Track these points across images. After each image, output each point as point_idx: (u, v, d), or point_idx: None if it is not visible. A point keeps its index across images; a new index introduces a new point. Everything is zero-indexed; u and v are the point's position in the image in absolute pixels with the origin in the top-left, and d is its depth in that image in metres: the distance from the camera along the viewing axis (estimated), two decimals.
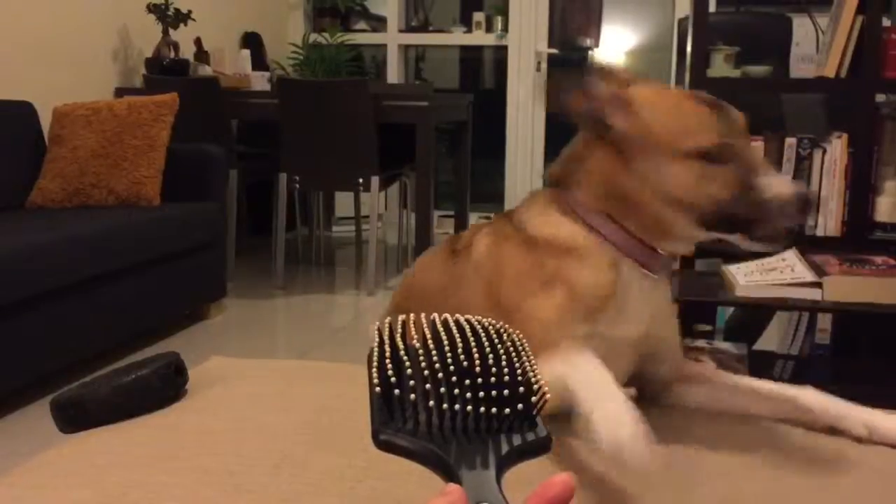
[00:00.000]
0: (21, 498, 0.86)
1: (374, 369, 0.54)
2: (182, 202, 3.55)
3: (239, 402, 1.13)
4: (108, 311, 3.02)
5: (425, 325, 0.58)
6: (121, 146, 3.48)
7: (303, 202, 5.17)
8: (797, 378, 2.14)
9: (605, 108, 1.04)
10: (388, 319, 0.58)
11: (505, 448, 0.53)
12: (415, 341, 0.56)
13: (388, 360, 0.54)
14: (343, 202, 5.78)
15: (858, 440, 0.96)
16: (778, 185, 0.98)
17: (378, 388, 0.54)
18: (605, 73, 1.08)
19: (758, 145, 2.39)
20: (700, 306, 2.40)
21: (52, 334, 2.75)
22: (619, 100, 1.04)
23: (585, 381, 0.86)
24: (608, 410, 0.80)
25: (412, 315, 0.59)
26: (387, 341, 0.56)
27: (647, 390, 1.14)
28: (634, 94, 1.05)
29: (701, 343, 2.09)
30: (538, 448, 0.55)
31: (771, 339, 2.59)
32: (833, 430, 1.00)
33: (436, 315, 0.59)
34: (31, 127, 3.62)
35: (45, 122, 3.63)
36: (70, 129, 3.52)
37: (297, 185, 4.23)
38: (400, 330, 0.57)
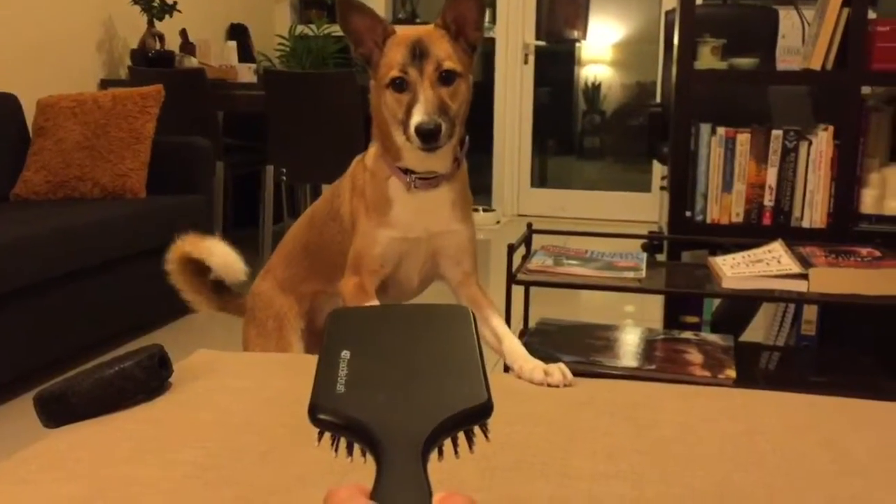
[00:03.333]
0: (5, 493, 0.85)
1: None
2: (168, 195, 3.53)
3: (225, 394, 1.12)
4: (93, 304, 3.01)
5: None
6: (106, 138, 3.46)
7: (290, 194, 5.15)
8: (782, 369, 2.16)
9: (368, 39, 1.38)
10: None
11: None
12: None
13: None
14: None
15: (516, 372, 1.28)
16: (416, 115, 1.29)
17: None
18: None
19: (744, 137, 2.40)
20: (687, 298, 2.41)
21: (36, 329, 2.73)
22: (382, 39, 1.37)
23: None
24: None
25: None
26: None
27: (448, 287, 1.53)
28: (390, 31, 1.37)
29: (688, 335, 2.10)
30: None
31: (757, 331, 2.60)
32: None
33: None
34: (15, 119, 3.59)
35: (30, 114, 3.60)
36: (54, 121, 3.49)
37: (284, 178, 4.21)
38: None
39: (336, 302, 1.60)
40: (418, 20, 6.36)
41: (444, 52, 1.35)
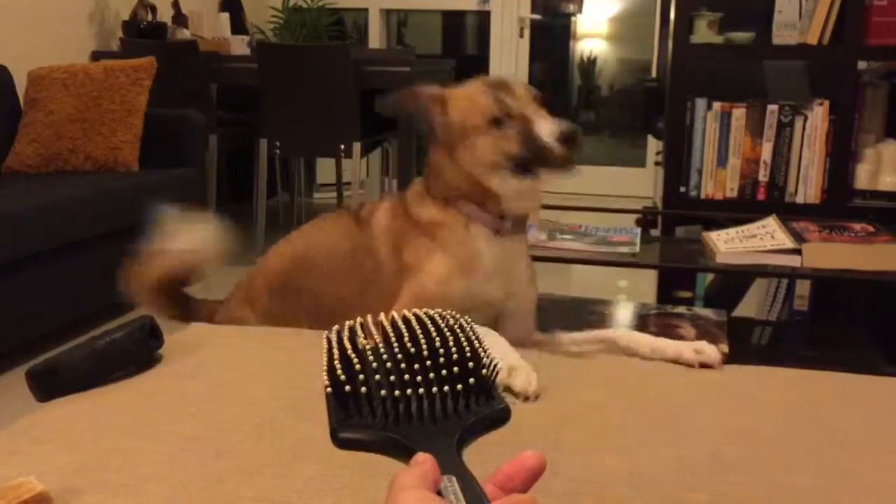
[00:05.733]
0: None
1: (325, 372, 0.56)
2: (161, 168, 3.51)
3: (218, 368, 1.13)
4: (85, 278, 3.00)
5: (372, 325, 0.61)
6: (98, 111, 3.43)
7: (283, 168, 5.12)
8: (775, 343, 2.17)
9: (428, 108, 1.33)
10: (335, 327, 0.61)
11: (464, 423, 0.54)
12: (362, 339, 0.58)
13: (336, 362, 0.56)
14: (324, 168, 5.74)
15: (648, 355, 1.26)
16: (545, 127, 1.24)
17: (329, 389, 0.55)
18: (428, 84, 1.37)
19: (739, 112, 2.39)
20: (680, 273, 2.42)
21: (28, 302, 2.72)
22: (437, 99, 1.33)
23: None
24: (510, 361, 1.09)
25: (359, 318, 0.62)
26: (335, 346, 0.58)
27: None
28: (448, 94, 1.33)
29: (681, 309, 2.10)
30: (496, 420, 0.56)
31: (750, 306, 2.61)
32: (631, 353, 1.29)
33: (382, 314, 0.61)
34: (5, 91, 3.55)
35: (21, 85, 3.57)
36: (46, 93, 3.46)
37: (278, 151, 4.19)
38: (347, 334, 0.59)
39: None
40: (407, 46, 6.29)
41: (521, 82, 1.33)
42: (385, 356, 0.56)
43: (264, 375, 1.09)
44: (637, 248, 2.03)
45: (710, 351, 1.21)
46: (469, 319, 0.62)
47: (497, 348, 1.12)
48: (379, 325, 0.60)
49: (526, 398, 1.04)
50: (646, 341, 1.30)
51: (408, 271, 1.34)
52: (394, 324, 0.60)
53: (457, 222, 1.33)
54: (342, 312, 1.40)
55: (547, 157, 1.24)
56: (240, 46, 4.68)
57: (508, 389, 1.05)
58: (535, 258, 2.00)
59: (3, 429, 0.94)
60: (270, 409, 0.97)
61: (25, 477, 0.76)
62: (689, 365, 1.20)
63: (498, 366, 0.58)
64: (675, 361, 1.22)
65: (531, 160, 1.26)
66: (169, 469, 0.83)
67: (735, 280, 2.58)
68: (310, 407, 0.95)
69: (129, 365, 1.07)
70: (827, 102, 2.34)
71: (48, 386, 1.03)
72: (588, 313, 2.06)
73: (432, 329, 0.58)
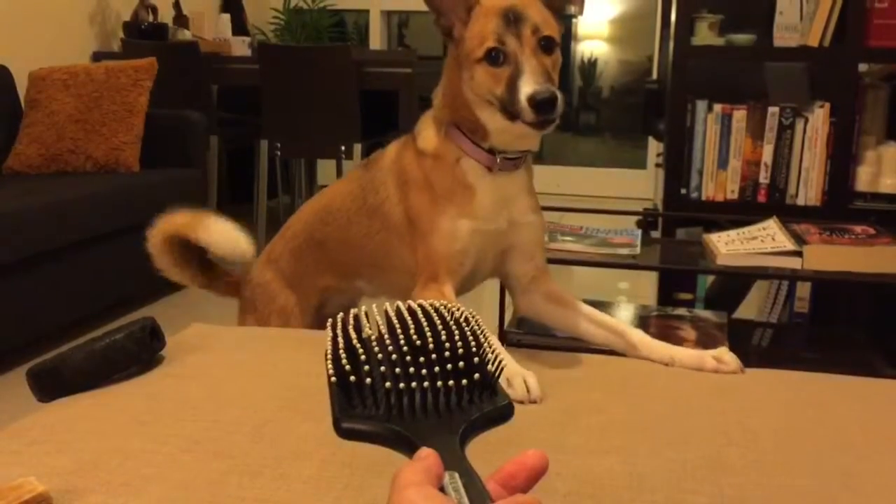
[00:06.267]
0: None
1: (329, 361, 0.55)
2: (161, 169, 3.51)
3: (219, 368, 1.13)
4: (86, 278, 3.00)
5: (377, 314, 0.60)
6: (99, 111, 3.43)
7: (284, 169, 5.13)
8: (775, 345, 2.17)
9: (453, 10, 1.25)
10: (339, 315, 0.60)
11: (467, 419, 0.54)
12: (367, 329, 0.57)
13: (341, 352, 0.55)
14: (325, 169, 5.74)
15: (666, 365, 1.22)
16: (525, 85, 1.17)
17: (334, 379, 0.54)
18: None
19: (740, 114, 2.39)
20: (681, 275, 2.42)
21: (29, 303, 2.72)
22: (466, 10, 1.24)
23: None
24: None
25: (363, 308, 0.61)
26: (340, 334, 0.57)
27: (511, 285, 1.39)
28: (478, 4, 1.24)
29: (681, 311, 2.10)
30: (499, 416, 0.56)
31: (750, 308, 2.61)
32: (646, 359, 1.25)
33: (387, 304, 0.61)
34: (7, 91, 3.56)
35: (22, 86, 3.57)
36: (47, 94, 3.46)
37: (279, 152, 4.20)
38: (352, 322, 0.59)
39: (349, 296, 1.51)
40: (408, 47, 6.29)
41: (540, 17, 1.22)
42: (390, 347, 0.56)
43: (265, 376, 1.09)
44: (637, 250, 2.03)
45: (730, 359, 1.18)
46: (475, 313, 0.61)
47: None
48: (385, 314, 0.60)
49: (532, 401, 1.03)
50: (664, 350, 1.25)
51: (414, 224, 1.32)
52: (399, 314, 0.59)
53: (450, 156, 1.30)
54: (355, 256, 1.45)
55: (518, 114, 1.18)
56: (241, 47, 4.69)
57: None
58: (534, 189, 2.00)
59: (4, 429, 0.94)
60: (271, 409, 0.97)
61: (26, 477, 0.76)
62: (713, 372, 1.17)
63: (503, 361, 0.57)
64: (696, 369, 1.19)
65: (509, 110, 1.20)
66: (169, 470, 0.83)
67: (735, 282, 2.58)
68: (310, 407, 0.95)
69: (131, 366, 1.07)
70: (828, 104, 2.34)
71: (49, 386, 1.03)
72: None
73: (438, 322, 0.58)
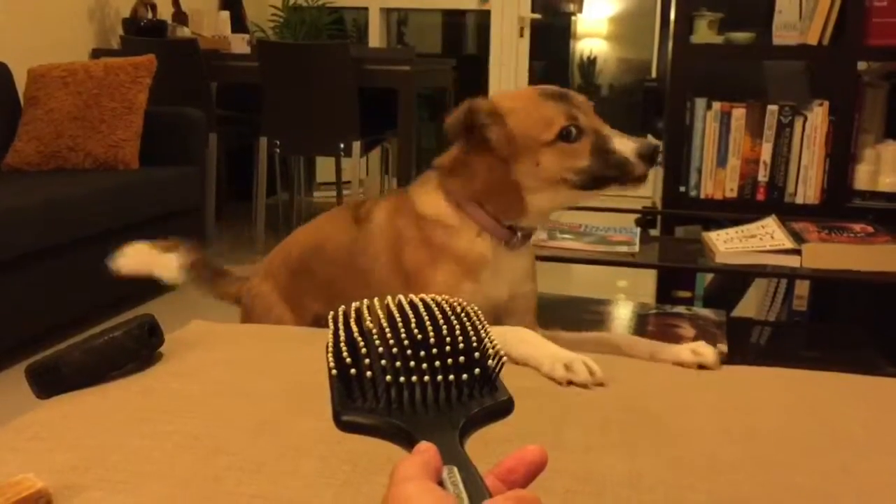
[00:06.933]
0: None
1: (330, 354, 0.55)
2: (161, 166, 3.51)
3: (218, 365, 1.13)
4: (86, 275, 2.99)
5: (378, 308, 0.60)
6: (98, 109, 3.43)
7: (283, 167, 5.12)
8: (774, 344, 2.17)
9: (484, 126, 1.28)
10: (341, 307, 0.60)
11: (467, 413, 0.54)
12: (368, 322, 0.57)
13: (342, 344, 0.55)
14: (324, 167, 5.74)
15: (648, 359, 1.26)
16: (625, 144, 1.26)
17: (334, 371, 0.54)
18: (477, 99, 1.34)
19: (739, 112, 2.39)
20: (679, 273, 2.42)
21: (29, 299, 2.72)
22: (491, 113, 1.28)
23: (516, 338, 1.15)
24: (549, 350, 1.11)
25: (365, 300, 0.61)
26: (341, 327, 0.57)
27: None
28: (498, 104, 1.30)
29: (680, 309, 2.10)
30: (500, 411, 0.56)
31: (749, 306, 2.61)
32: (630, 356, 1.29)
33: (389, 298, 0.61)
34: (5, 88, 3.55)
35: (21, 83, 3.57)
36: (46, 91, 3.46)
37: (278, 150, 4.19)
38: (354, 315, 0.59)
39: None
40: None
41: (578, 94, 1.32)
42: (392, 341, 0.55)
43: (264, 373, 1.09)
44: (636, 248, 2.03)
45: (707, 352, 1.20)
46: (476, 307, 0.62)
47: (542, 347, 1.14)
48: (386, 308, 0.60)
49: (598, 383, 1.06)
50: (644, 345, 1.31)
51: (412, 278, 1.34)
52: (400, 308, 0.59)
53: (468, 229, 1.33)
54: (346, 299, 1.45)
55: (625, 174, 1.26)
56: (240, 45, 4.69)
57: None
58: (535, 257, 2.00)
59: (3, 425, 0.94)
60: (270, 406, 0.97)
61: (25, 474, 0.76)
62: (690, 366, 1.20)
63: (503, 357, 0.57)
64: (676, 363, 1.22)
65: (604, 176, 1.27)
66: (168, 467, 0.83)
67: (734, 280, 2.58)
68: (309, 404, 0.95)
69: (129, 362, 1.07)
70: (827, 103, 2.34)
71: (48, 383, 1.03)
72: (587, 313, 2.06)
73: (439, 316, 0.58)
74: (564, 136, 1.26)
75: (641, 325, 1.97)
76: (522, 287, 1.40)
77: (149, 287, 3.35)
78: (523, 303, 1.40)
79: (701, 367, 1.19)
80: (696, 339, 1.85)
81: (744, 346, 1.95)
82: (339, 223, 1.50)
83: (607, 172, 1.27)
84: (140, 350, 1.08)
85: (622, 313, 2.09)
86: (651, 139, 1.27)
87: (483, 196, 1.33)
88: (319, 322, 1.52)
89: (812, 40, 2.34)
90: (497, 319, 1.38)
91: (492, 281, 1.34)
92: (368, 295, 1.43)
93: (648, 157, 1.25)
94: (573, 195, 1.32)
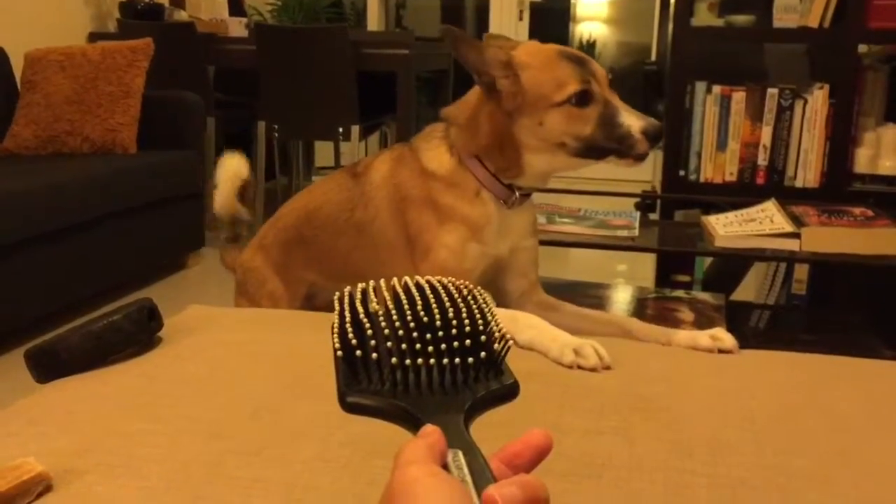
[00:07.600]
0: None
1: (335, 335, 0.55)
2: (159, 150, 3.50)
3: (217, 350, 1.12)
4: (84, 260, 3.00)
5: (384, 289, 0.60)
6: (95, 92, 3.42)
7: (282, 151, 5.11)
8: (773, 327, 2.17)
9: (495, 73, 1.27)
10: (347, 289, 0.60)
11: (472, 397, 0.54)
12: (374, 304, 0.57)
13: (348, 325, 0.55)
14: (323, 151, 5.73)
15: (664, 344, 1.25)
16: (632, 119, 1.26)
17: (340, 353, 0.54)
18: (492, 38, 1.37)
19: (739, 96, 2.38)
20: (679, 257, 2.42)
21: (27, 284, 2.72)
22: (505, 65, 1.27)
23: (525, 324, 1.14)
24: (556, 335, 1.10)
25: (371, 281, 0.61)
26: (347, 308, 0.57)
27: (502, 301, 1.42)
28: (516, 57, 1.28)
29: (679, 293, 2.10)
30: (505, 395, 0.56)
31: (748, 290, 2.61)
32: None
33: (395, 279, 0.60)
34: (2, 72, 3.54)
35: (17, 67, 3.55)
36: (43, 75, 3.45)
37: (276, 134, 4.18)
38: (360, 296, 0.59)
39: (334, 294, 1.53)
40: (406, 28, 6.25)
41: (598, 64, 1.31)
42: (397, 323, 0.55)
43: (263, 357, 1.09)
44: (636, 232, 2.03)
45: (726, 337, 1.20)
46: (482, 290, 0.61)
47: (549, 331, 1.13)
48: (392, 289, 0.59)
49: (606, 367, 1.06)
50: (661, 332, 1.29)
51: (415, 240, 1.35)
52: (407, 290, 0.59)
53: (468, 185, 1.34)
54: (341, 264, 1.46)
55: (627, 148, 1.27)
56: (237, 28, 4.66)
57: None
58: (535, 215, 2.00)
59: (3, 410, 0.94)
60: (269, 390, 0.97)
61: (24, 458, 0.76)
62: (708, 351, 1.19)
63: (509, 340, 0.57)
64: (692, 348, 1.21)
65: (604, 147, 1.28)
66: (168, 450, 0.83)
67: (733, 264, 2.58)
68: (310, 387, 0.96)
69: (129, 347, 1.07)
70: (827, 86, 2.33)
71: (47, 367, 1.03)
72: (586, 297, 2.06)
73: (446, 298, 0.58)
74: (574, 100, 1.26)
75: (640, 309, 1.97)
76: (523, 241, 1.41)
77: (147, 271, 3.35)
78: (525, 256, 1.42)
79: (721, 351, 1.18)
80: (694, 322, 1.86)
81: (743, 330, 1.95)
82: (334, 184, 1.49)
83: (609, 144, 1.28)
84: (139, 334, 1.08)
85: (621, 297, 2.09)
86: (656, 122, 1.27)
87: (484, 151, 1.33)
88: (316, 291, 1.54)
89: (812, 23, 2.33)
90: (499, 274, 1.40)
91: (494, 239, 1.36)
92: (366, 255, 1.46)
93: (653, 136, 1.26)
94: (570, 161, 1.32)
